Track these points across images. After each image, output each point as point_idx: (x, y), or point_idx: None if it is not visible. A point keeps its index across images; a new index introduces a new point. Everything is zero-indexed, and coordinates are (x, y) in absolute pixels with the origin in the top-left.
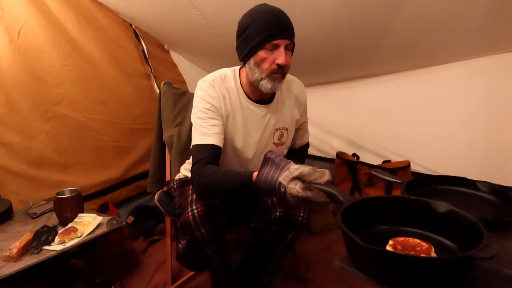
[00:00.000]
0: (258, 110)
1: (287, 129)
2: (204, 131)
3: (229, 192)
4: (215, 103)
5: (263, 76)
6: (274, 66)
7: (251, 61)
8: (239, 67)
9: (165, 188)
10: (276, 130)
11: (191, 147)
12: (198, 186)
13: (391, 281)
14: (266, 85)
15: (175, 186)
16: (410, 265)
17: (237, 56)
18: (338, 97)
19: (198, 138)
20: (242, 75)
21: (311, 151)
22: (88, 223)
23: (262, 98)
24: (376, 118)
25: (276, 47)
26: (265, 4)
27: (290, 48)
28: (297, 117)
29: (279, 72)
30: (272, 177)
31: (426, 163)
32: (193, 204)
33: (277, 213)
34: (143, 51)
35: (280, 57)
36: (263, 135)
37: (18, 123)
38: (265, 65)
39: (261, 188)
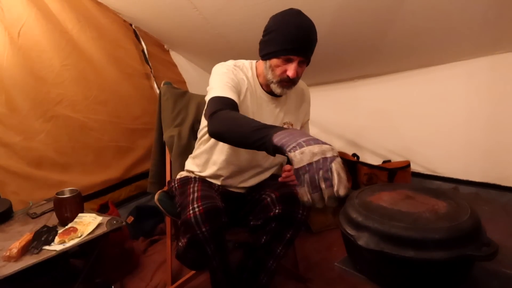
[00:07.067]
0: (270, 101)
1: (292, 125)
2: (223, 88)
3: (240, 135)
4: (235, 81)
5: (274, 80)
6: (285, 76)
7: (267, 63)
8: (255, 61)
9: (165, 188)
10: (284, 124)
11: (207, 101)
12: (216, 120)
13: (391, 282)
14: (276, 89)
15: (176, 185)
16: (410, 266)
17: (236, 55)
18: (338, 97)
19: (216, 91)
20: (258, 67)
21: None
22: (88, 223)
23: (273, 91)
24: (376, 118)
25: (290, 60)
26: (297, 14)
27: (304, 62)
28: (302, 114)
29: (289, 82)
30: (300, 136)
31: (426, 163)
32: (195, 203)
33: (277, 211)
34: (143, 51)
35: (290, 70)
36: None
37: (18, 123)
38: (277, 72)
39: (282, 139)
